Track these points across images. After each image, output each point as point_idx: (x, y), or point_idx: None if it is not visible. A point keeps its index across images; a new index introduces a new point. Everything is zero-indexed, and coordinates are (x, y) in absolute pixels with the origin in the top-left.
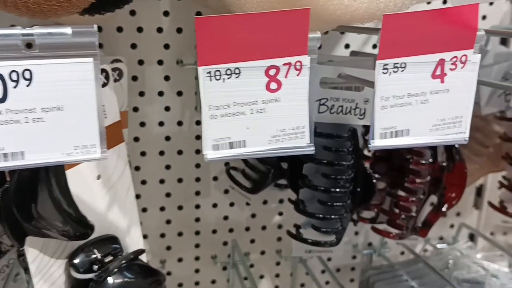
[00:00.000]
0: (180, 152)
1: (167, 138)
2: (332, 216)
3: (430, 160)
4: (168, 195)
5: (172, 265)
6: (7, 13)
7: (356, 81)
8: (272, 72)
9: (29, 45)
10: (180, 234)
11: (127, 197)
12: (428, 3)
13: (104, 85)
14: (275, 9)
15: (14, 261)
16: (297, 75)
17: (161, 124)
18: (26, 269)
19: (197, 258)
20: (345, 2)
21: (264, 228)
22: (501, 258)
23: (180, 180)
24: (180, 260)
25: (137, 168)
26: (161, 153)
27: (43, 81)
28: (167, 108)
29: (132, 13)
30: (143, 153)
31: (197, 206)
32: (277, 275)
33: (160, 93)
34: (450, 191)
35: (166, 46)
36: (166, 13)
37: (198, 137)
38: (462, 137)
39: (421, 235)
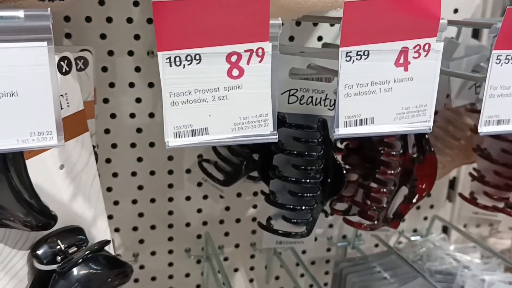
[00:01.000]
0: (152, 144)
1: (139, 130)
2: (303, 207)
3: (401, 151)
4: (140, 187)
5: (145, 259)
6: None
7: (325, 72)
8: (233, 58)
9: None
10: (153, 227)
11: (92, 187)
12: None
13: (66, 73)
14: None
15: None
16: (259, 61)
17: (132, 116)
18: None
19: (170, 252)
20: None
21: (238, 221)
22: (473, 249)
23: (152, 173)
24: (153, 253)
25: (108, 161)
26: (133, 145)
27: None
28: (138, 100)
29: (101, 3)
30: (114, 145)
31: (170, 199)
32: (251, 268)
33: (131, 84)
34: (421, 183)
35: (137, 37)
36: (136, 3)
37: None
38: (426, 126)
39: (392, 226)
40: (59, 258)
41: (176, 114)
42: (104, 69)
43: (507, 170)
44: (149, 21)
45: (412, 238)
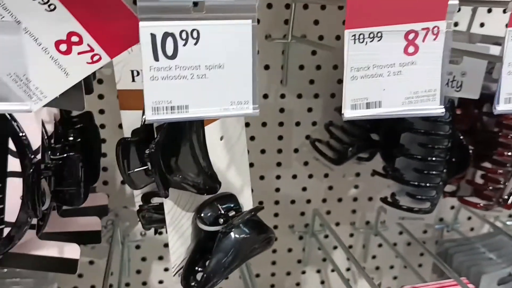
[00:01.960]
0: (264, 124)
1: None
2: (427, 184)
3: None
4: (251, 165)
5: None
6: None
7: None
8: (411, 36)
9: (195, 4)
10: (260, 203)
11: (242, 159)
12: None
13: None
14: None
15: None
16: (434, 39)
17: None
18: (149, 225)
19: (275, 227)
20: None
21: (340, 200)
22: None
23: (263, 151)
24: None
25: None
26: (247, 124)
27: (208, 40)
28: None
29: None
30: None
31: (278, 177)
32: (350, 247)
33: None
34: None
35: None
36: None
37: (282, 110)
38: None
39: (506, 207)
40: (221, 220)
41: (354, 88)
42: None
43: None
44: (269, 6)
45: (508, 223)
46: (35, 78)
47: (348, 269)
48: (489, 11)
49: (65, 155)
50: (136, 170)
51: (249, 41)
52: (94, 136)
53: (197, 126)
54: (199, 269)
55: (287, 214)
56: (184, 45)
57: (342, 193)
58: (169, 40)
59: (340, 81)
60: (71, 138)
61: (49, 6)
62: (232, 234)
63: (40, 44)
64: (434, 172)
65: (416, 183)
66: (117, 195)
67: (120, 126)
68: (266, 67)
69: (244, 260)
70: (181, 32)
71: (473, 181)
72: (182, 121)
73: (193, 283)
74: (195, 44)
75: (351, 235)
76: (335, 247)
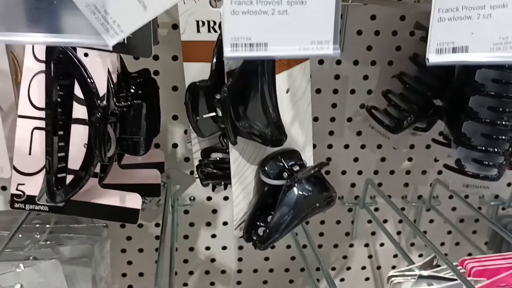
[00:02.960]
0: (318, 91)
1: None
2: (496, 150)
3: None
4: None
5: None
6: None
7: None
8: None
9: None
10: None
11: (306, 115)
12: None
13: None
14: None
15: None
16: None
17: None
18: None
19: None
20: None
21: (392, 172)
22: None
23: (315, 119)
24: None
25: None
26: None
27: None
28: None
29: None
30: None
31: (330, 146)
32: (400, 221)
33: None
34: None
35: None
36: None
37: (337, 77)
38: None
39: None
40: (286, 174)
41: (441, 31)
42: None
43: None
44: None
45: None
46: (113, 10)
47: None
48: None
49: (129, 102)
50: (205, 116)
51: None
52: (153, 89)
53: (269, 73)
54: (261, 224)
55: (337, 185)
56: None
57: (395, 165)
58: None
59: (399, 48)
60: (133, 89)
61: None
62: (296, 189)
63: None
64: (503, 137)
65: (483, 148)
66: (168, 157)
67: (174, 88)
68: None
69: (305, 217)
70: None
71: None
72: (254, 66)
73: (255, 237)
74: None
75: (402, 209)
76: (385, 221)
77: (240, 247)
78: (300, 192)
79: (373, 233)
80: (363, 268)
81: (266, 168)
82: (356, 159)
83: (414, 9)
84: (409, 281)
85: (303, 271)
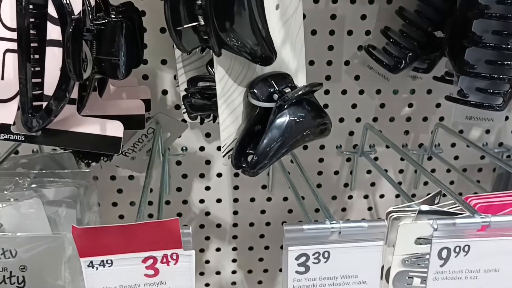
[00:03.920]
0: (313, 32)
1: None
2: (501, 76)
3: None
4: None
5: (298, 153)
6: None
7: None
8: None
9: None
10: None
11: (298, 37)
12: None
13: None
14: None
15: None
16: None
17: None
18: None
19: (321, 147)
20: None
21: (392, 119)
22: None
23: (311, 63)
24: (305, 148)
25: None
26: None
27: None
28: None
29: None
30: None
31: (326, 92)
32: (400, 171)
33: None
34: None
35: None
36: None
37: (333, 17)
38: None
39: None
40: (276, 96)
41: None
42: None
43: None
44: None
45: None
46: None
47: (397, 196)
48: None
49: (107, 20)
50: (186, 26)
51: None
52: (135, 14)
53: None
54: (251, 151)
55: (335, 133)
56: None
57: (395, 112)
58: None
59: None
60: (113, 13)
61: None
62: (287, 110)
63: None
64: (509, 63)
65: (488, 76)
66: (158, 105)
67: (162, 30)
68: None
69: (296, 143)
70: None
71: None
72: None
73: (244, 165)
74: None
75: (402, 158)
76: (385, 170)
77: (236, 200)
78: (292, 115)
79: (372, 184)
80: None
81: (255, 90)
82: (354, 106)
83: None
84: (409, 216)
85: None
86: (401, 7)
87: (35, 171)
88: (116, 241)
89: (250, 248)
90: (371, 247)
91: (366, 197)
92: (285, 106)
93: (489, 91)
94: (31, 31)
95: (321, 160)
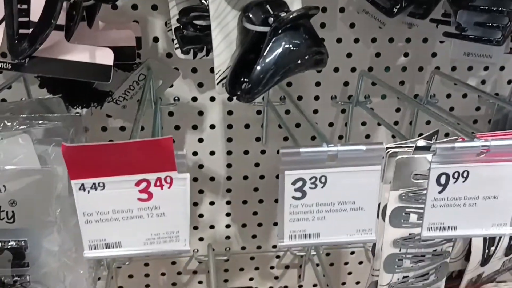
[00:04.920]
0: None
1: None
2: (500, 9)
3: None
4: None
5: (291, 104)
6: None
7: None
8: None
9: None
10: None
11: None
12: None
13: None
14: None
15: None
16: None
17: None
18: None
19: (316, 98)
20: None
21: (387, 69)
22: None
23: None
24: (299, 98)
25: None
26: None
27: None
28: None
29: None
30: None
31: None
32: (396, 123)
33: None
34: None
35: None
36: None
37: None
38: None
39: None
40: (271, 19)
41: None
42: None
43: None
44: None
45: None
46: None
47: None
48: None
49: None
50: None
51: None
52: None
53: None
54: (245, 79)
55: (329, 83)
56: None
57: (390, 61)
58: None
59: None
60: None
61: None
62: (282, 35)
63: None
64: None
65: (486, 8)
66: (148, 52)
67: None
68: None
69: (290, 71)
70: None
71: None
72: None
73: (238, 92)
74: None
75: (398, 109)
76: (379, 124)
77: (229, 152)
78: (287, 40)
79: (367, 136)
80: None
81: (249, 14)
82: (349, 55)
83: None
84: (406, 152)
85: None
86: None
87: (23, 115)
88: (108, 161)
89: (244, 202)
90: (369, 171)
91: None
92: (281, 30)
93: (487, 24)
94: None
95: (315, 111)
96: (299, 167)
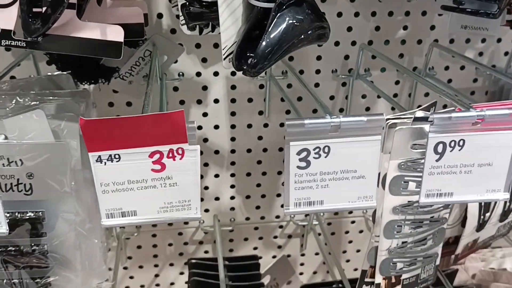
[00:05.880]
0: None
1: None
2: None
3: None
4: None
5: (292, 79)
6: None
7: None
8: None
9: None
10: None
11: None
12: None
13: None
14: None
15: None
16: None
17: None
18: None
19: (317, 72)
20: None
21: (387, 42)
22: None
23: None
24: (301, 72)
25: None
26: None
27: None
28: None
29: None
30: None
31: None
32: (395, 95)
33: None
34: None
35: None
36: None
37: None
38: None
39: None
40: None
41: None
42: None
43: None
44: None
45: None
46: None
47: None
48: None
49: None
50: None
51: None
52: None
53: None
54: (251, 54)
55: (330, 57)
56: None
57: (390, 35)
58: None
59: None
60: None
61: None
62: (287, 10)
63: None
64: None
65: None
66: (153, 29)
67: None
68: None
69: (294, 46)
70: None
71: None
72: None
73: (244, 67)
74: None
75: (397, 82)
76: (378, 97)
77: (233, 126)
78: (291, 15)
79: (367, 109)
80: None
81: None
82: (349, 28)
83: None
84: (405, 123)
85: None
86: None
87: (34, 92)
88: (123, 134)
89: (248, 174)
90: (370, 141)
91: None
92: (285, 6)
93: None
94: None
95: (316, 85)
96: (303, 138)
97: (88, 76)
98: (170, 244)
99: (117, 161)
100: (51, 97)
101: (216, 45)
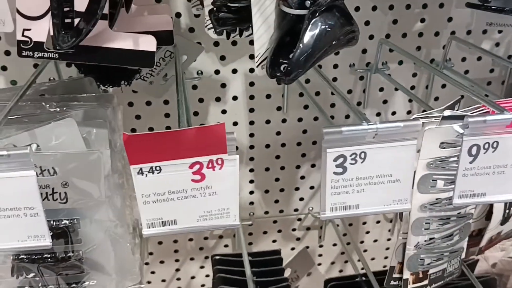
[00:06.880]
0: None
1: None
2: None
3: None
4: None
5: (311, 74)
6: None
7: None
8: None
9: None
10: None
11: None
12: None
13: None
14: None
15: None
16: None
17: None
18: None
19: (335, 66)
20: None
21: (404, 35)
22: None
23: None
24: (319, 67)
25: None
26: None
27: None
28: None
29: None
30: None
31: None
32: (412, 87)
33: None
34: None
35: None
36: None
37: None
38: None
39: None
40: (308, 2)
41: None
42: None
43: None
44: None
45: None
46: None
47: (408, 112)
48: None
49: None
50: None
51: None
52: None
53: None
54: (284, 61)
55: (348, 51)
56: None
57: (407, 28)
58: None
59: None
60: None
61: None
62: (319, 17)
63: None
64: None
65: None
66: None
67: None
68: None
69: (327, 51)
70: None
71: None
72: None
73: (278, 74)
74: None
75: (414, 74)
76: (396, 89)
77: (251, 122)
78: (324, 22)
79: (384, 102)
80: None
81: None
82: (367, 22)
83: None
84: (432, 122)
85: (315, 144)
86: None
87: (56, 96)
88: (164, 148)
89: (267, 169)
90: (406, 146)
91: (378, 114)
92: (318, 13)
93: None
94: None
95: (334, 79)
96: (340, 145)
97: (111, 79)
98: (190, 239)
99: (158, 173)
100: (75, 102)
101: (234, 43)
